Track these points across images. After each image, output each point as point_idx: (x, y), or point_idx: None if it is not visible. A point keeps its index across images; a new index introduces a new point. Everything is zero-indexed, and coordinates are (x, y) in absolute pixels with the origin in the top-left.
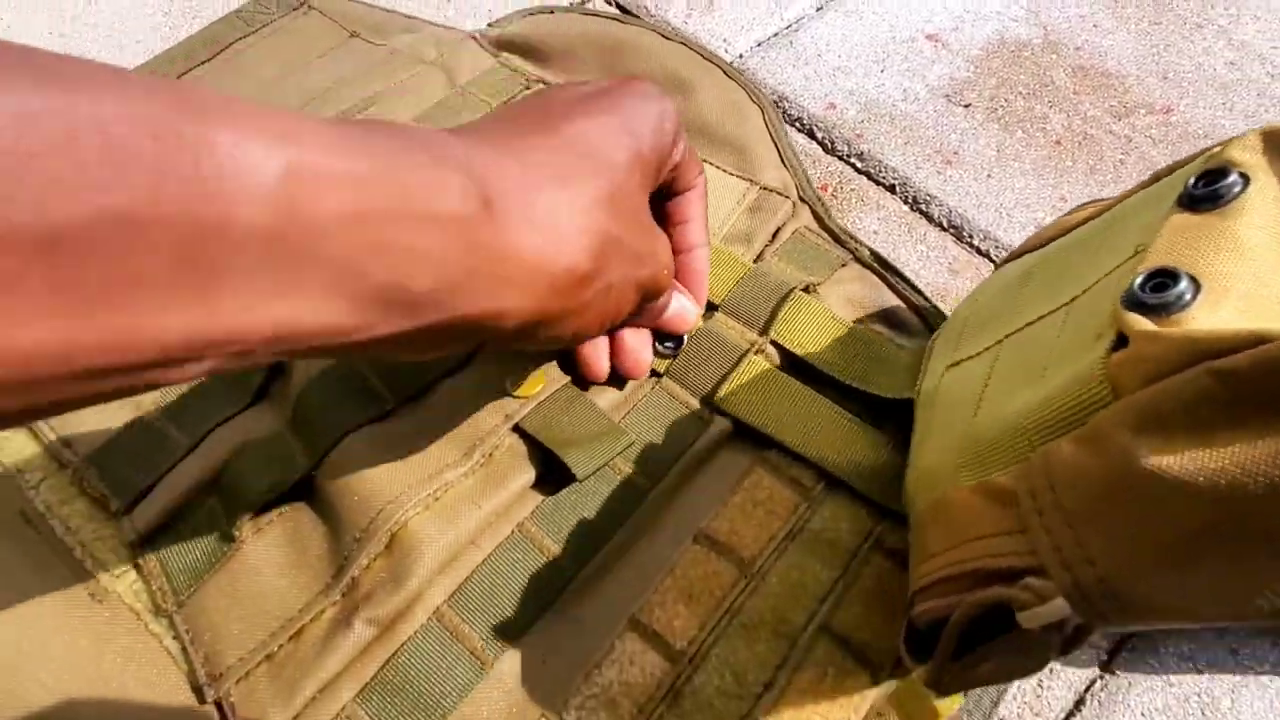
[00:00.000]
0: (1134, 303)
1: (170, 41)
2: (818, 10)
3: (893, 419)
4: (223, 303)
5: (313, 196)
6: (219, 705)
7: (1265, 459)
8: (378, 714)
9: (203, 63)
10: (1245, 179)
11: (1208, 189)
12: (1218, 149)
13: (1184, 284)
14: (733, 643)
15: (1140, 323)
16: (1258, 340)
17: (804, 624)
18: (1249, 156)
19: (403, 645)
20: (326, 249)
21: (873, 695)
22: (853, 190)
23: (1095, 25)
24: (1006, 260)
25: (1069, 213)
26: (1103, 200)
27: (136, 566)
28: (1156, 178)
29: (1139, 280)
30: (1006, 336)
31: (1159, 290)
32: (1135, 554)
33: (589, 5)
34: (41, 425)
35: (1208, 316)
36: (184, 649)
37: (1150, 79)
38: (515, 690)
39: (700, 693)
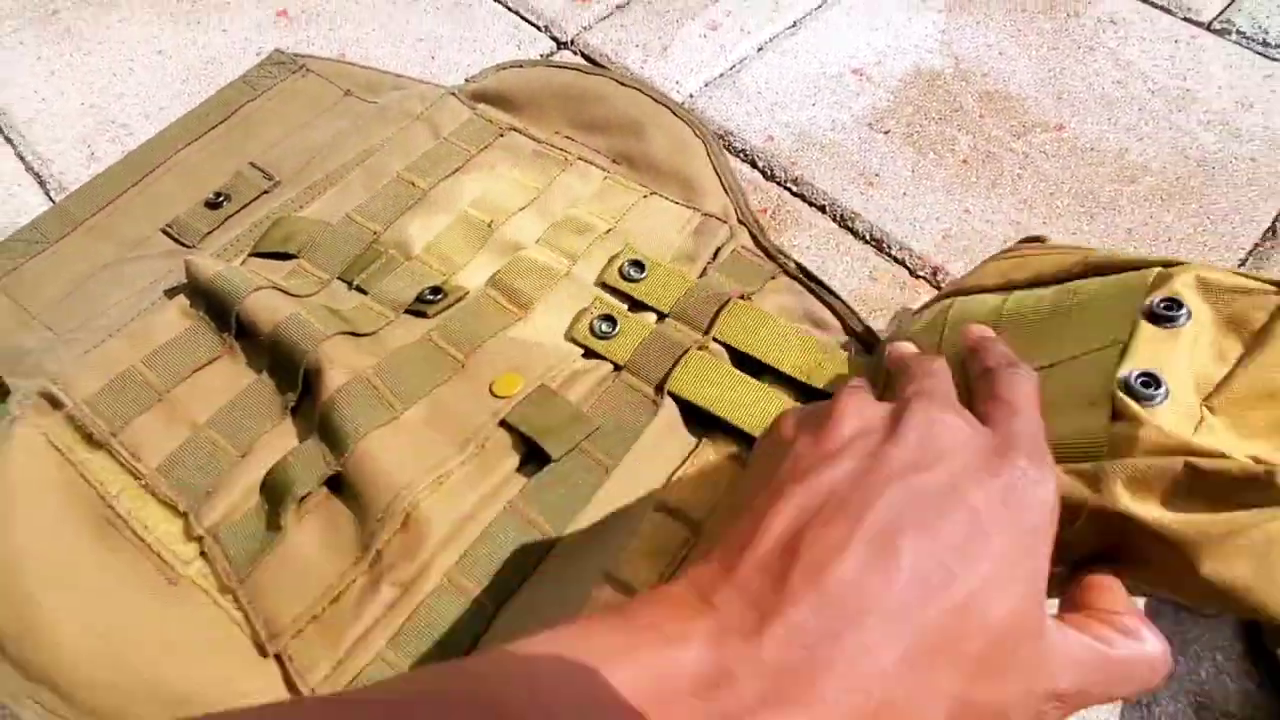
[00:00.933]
0: (1128, 390)
1: (189, 106)
2: (758, 51)
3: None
4: None
5: None
6: (278, 657)
7: (1204, 524)
8: (406, 654)
9: (216, 125)
10: (1188, 311)
11: (1166, 311)
12: (1166, 271)
13: (1163, 387)
14: None
15: (1136, 409)
16: (1220, 455)
17: None
18: (1188, 294)
19: (422, 601)
20: None
21: None
22: (789, 212)
23: (1001, 53)
24: (955, 293)
25: (1006, 253)
26: (1047, 244)
27: (203, 555)
28: (1100, 268)
29: (1134, 376)
30: None
31: (1146, 386)
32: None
33: (556, 57)
34: (115, 445)
35: (1171, 411)
36: (246, 617)
37: (1046, 100)
38: (514, 635)
39: None
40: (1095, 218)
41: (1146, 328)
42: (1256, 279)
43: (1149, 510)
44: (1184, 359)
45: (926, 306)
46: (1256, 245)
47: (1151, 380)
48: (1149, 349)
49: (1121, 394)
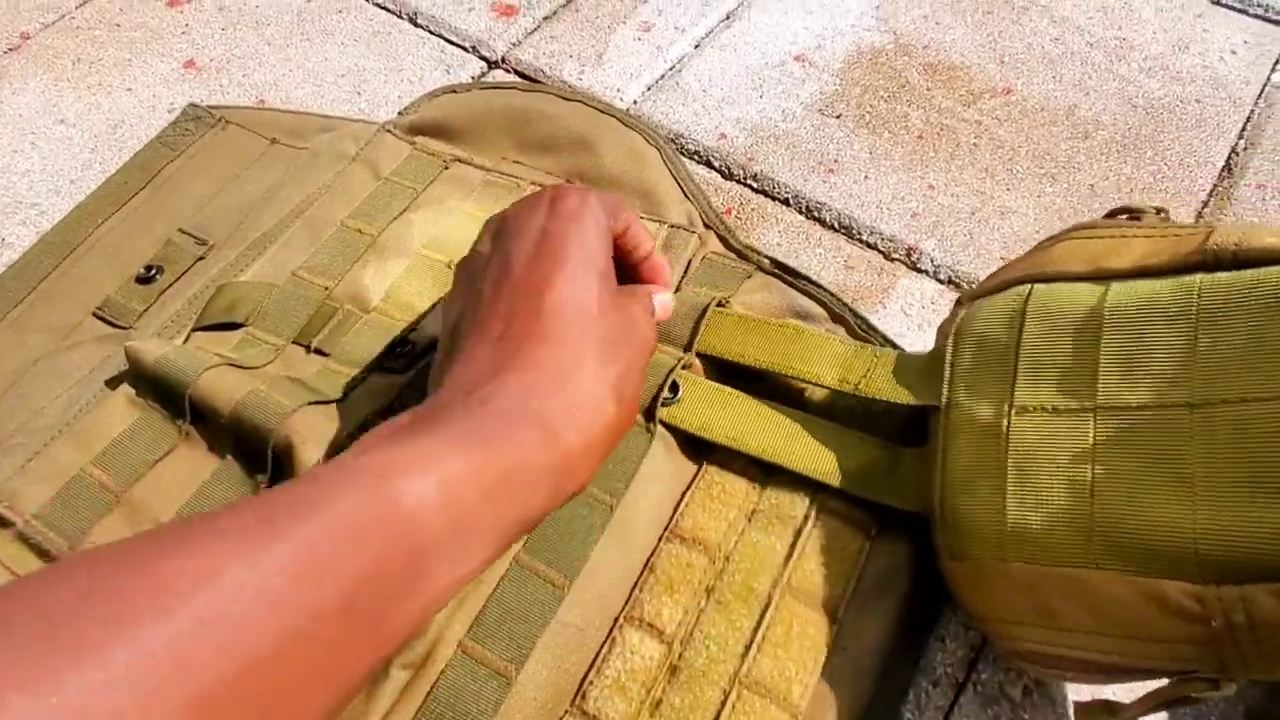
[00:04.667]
0: None
1: (102, 175)
2: (696, 48)
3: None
4: (433, 585)
5: (462, 495)
6: None
7: None
8: None
9: (137, 193)
10: None
11: None
12: None
13: None
14: (712, 617)
15: None
16: None
17: (768, 589)
18: None
19: (437, 680)
20: (478, 520)
21: (833, 635)
22: (753, 209)
23: (937, 23)
24: (1030, 278)
25: (1088, 229)
26: (1149, 221)
27: None
28: (1226, 260)
29: None
30: (1100, 409)
31: None
32: None
33: (488, 78)
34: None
35: None
36: None
37: (990, 65)
38: (539, 696)
39: (694, 664)
40: (1056, 178)
41: None
42: None
43: None
44: None
45: (985, 294)
46: (1215, 186)
47: None
48: None
49: None
